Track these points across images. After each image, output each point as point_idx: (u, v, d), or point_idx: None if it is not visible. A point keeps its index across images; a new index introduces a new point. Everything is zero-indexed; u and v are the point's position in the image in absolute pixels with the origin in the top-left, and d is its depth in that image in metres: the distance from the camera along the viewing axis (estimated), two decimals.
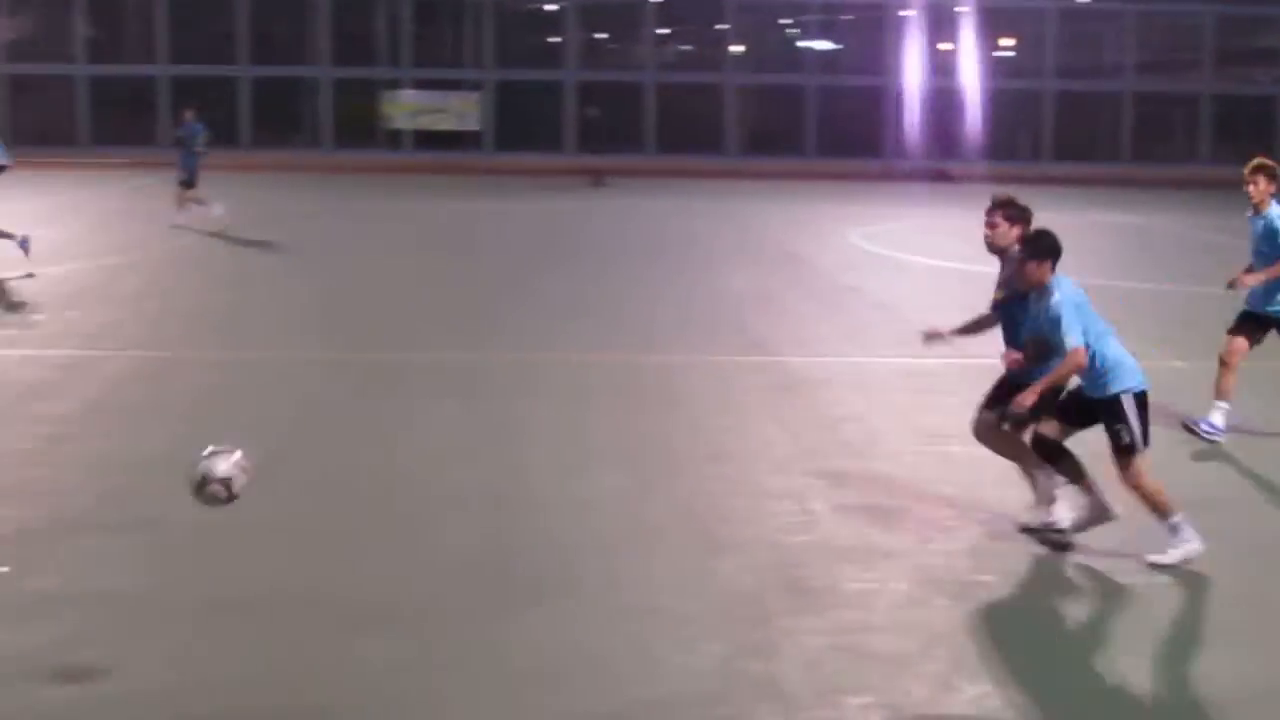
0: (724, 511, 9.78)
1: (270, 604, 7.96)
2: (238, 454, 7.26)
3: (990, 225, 9.58)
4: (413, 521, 9.55)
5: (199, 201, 27.92)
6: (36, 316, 17.28)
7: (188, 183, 28.32)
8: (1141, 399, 8.79)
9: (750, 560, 8.84)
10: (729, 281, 21.68)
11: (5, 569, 8.35)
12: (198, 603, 7.98)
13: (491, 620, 7.77)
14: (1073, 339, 8.62)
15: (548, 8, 55.13)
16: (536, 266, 23.36)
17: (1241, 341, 12.23)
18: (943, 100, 51.77)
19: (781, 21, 55.07)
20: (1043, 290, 8.85)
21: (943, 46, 53.04)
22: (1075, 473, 9.08)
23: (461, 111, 51.57)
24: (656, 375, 14.52)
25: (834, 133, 52.15)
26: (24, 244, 21.00)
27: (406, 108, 51.50)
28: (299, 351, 15.60)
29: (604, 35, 56.10)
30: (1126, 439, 8.72)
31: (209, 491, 7.19)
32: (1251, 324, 12.28)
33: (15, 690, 6.76)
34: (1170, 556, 8.73)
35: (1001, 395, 9.43)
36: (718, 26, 54.21)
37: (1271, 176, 12.04)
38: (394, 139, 51.88)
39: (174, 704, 6.65)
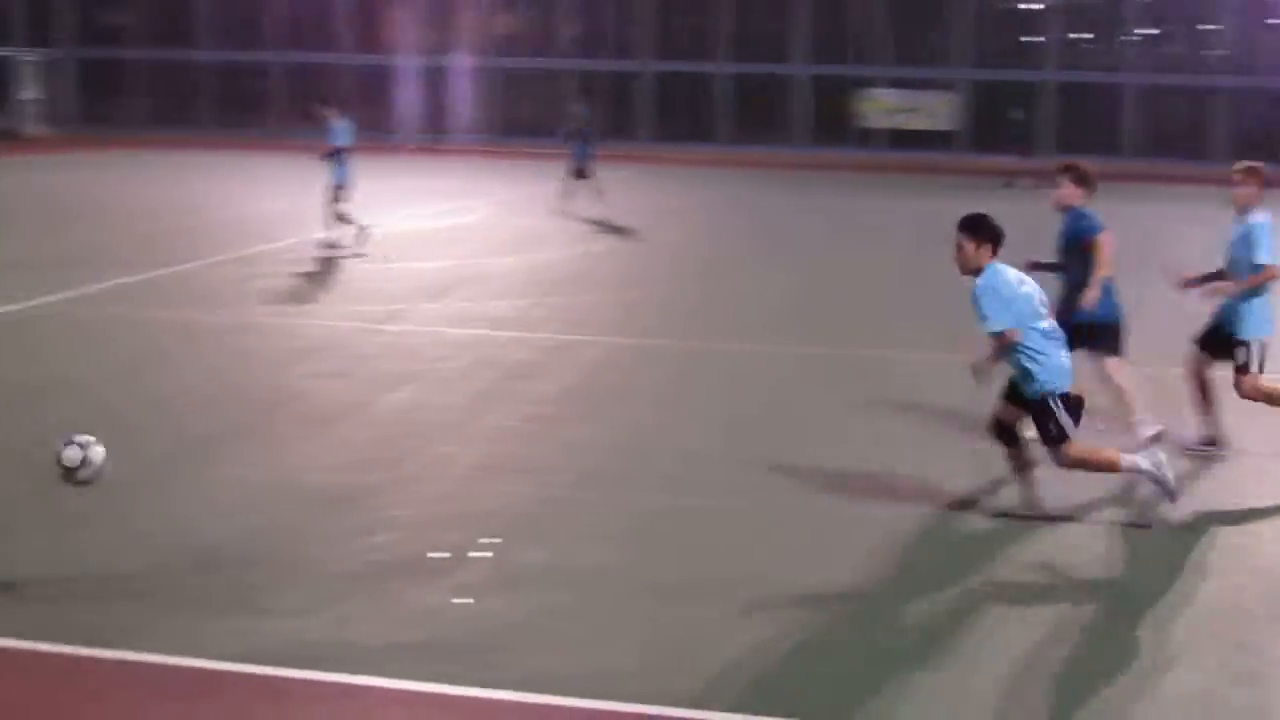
0: (1210, 532, 9.44)
1: (744, 589, 8.10)
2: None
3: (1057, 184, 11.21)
4: (869, 517, 9.57)
5: (569, 193, 29.36)
6: (521, 301, 18.03)
7: (582, 172, 29.54)
8: (1066, 399, 9.19)
9: (1231, 582, 8.52)
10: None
11: (498, 540, 8.77)
12: (675, 585, 8.20)
13: (939, 619, 7.76)
14: (990, 326, 9.10)
15: (1027, 7, 54.16)
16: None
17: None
18: None
19: (1269, 21, 52.45)
20: (979, 274, 9.24)
21: None
22: (1021, 461, 9.56)
23: (935, 111, 51.21)
24: None
25: None
26: (361, 236, 22.39)
27: (882, 106, 51.48)
28: (767, 345, 15.80)
29: (1085, 35, 54.70)
30: (1054, 431, 9.18)
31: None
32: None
33: (511, 656, 7.09)
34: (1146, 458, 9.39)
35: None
36: (1200, 26, 52.20)
37: (1262, 183, 11.20)
38: (865, 137, 51.89)
39: (654, 682, 6.85)
